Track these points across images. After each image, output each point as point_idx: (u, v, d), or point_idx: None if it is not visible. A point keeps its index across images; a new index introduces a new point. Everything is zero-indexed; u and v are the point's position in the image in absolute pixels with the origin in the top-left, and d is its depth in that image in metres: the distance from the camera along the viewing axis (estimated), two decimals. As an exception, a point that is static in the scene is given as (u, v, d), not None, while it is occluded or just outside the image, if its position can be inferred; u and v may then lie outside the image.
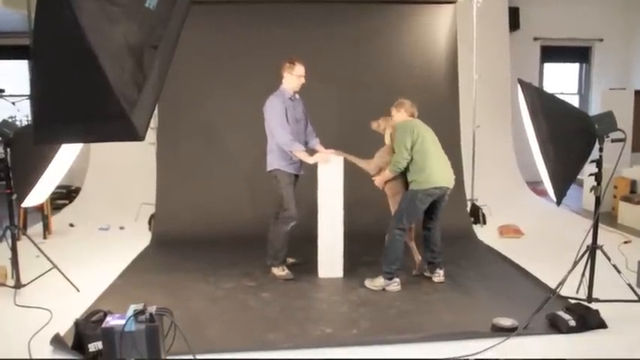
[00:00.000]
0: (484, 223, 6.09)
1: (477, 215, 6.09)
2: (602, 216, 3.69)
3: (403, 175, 4.04)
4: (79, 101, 2.07)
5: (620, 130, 3.35)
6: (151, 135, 5.81)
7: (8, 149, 3.71)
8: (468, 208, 6.08)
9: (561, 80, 9.84)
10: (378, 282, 3.98)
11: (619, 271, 3.48)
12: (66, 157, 3.72)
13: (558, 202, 3.44)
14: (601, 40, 9.29)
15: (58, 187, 5.02)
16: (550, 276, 3.99)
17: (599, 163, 3.45)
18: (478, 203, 6.24)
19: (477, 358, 2.88)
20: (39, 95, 2.16)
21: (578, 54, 9.62)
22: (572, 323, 3.12)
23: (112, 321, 2.36)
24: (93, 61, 1.93)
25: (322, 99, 5.54)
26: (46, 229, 5.66)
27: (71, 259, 4.60)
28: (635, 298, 3.43)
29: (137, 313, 2.32)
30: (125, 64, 2.05)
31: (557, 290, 3.39)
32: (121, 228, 6.02)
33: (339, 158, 4.24)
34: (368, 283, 4.03)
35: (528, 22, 8.82)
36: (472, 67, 6.25)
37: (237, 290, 4.00)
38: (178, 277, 4.30)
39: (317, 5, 5.91)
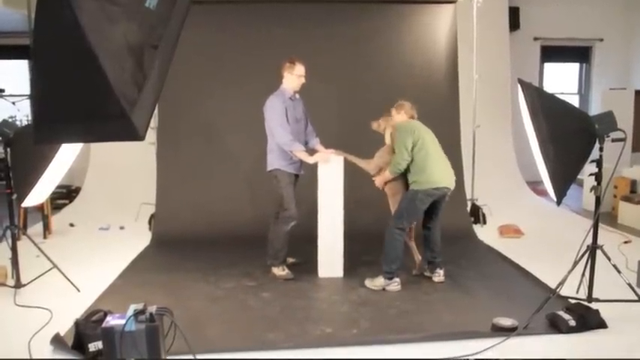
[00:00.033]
0: (484, 222, 6.09)
1: (477, 215, 6.09)
2: (602, 216, 3.69)
3: (403, 176, 4.04)
4: (79, 101, 2.07)
5: (620, 129, 3.35)
6: (151, 135, 5.81)
7: (8, 149, 3.71)
8: (468, 208, 6.08)
9: (561, 80, 9.84)
10: (378, 282, 3.98)
11: (619, 271, 3.48)
12: (66, 156, 3.72)
13: (558, 202, 3.44)
14: (601, 39, 9.29)
15: (58, 187, 5.02)
16: (550, 276, 3.99)
17: (599, 162, 3.45)
18: (478, 203, 6.24)
19: (477, 358, 2.88)
20: (39, 95, 2.16)
21: (579, 54, 9.62)
22: (572, 323, 3.12)
23: (112, 321, 2.36)
24: (93, 61, 1.93)
25: (322, 99, 5.54)
26: (46, 228, 5.66)
27: (71, 259, 4.60)
28: (635, 297, 3.42)
29: (137, 313, 2.32)
30: (125, 63, 2.05)
31: (557, 290, 3.39)
32: (121, 228, 6.02)
33: (339, 158, 4.24)
34: (368, 282, 4.04)
35: (528, 22, 8.82)
36: (472, 67, 6.25)
37: (238, 290, 4.00)
38: (178, 276, 4.30)
39: (317, 5, 5.90)
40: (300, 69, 4.19)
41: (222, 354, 2.92)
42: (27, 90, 7.66)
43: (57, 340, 2.98)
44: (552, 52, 9.44)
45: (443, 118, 5.80)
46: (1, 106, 6.66)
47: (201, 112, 5.88)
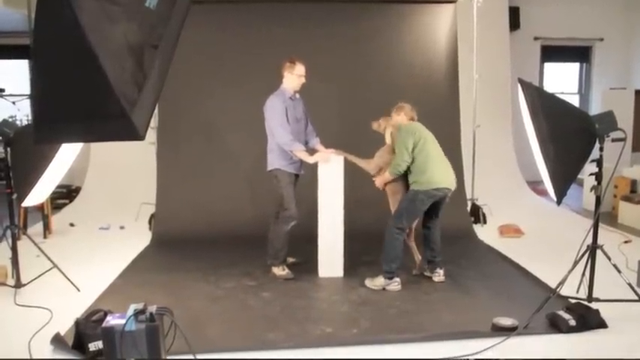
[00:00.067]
0: (484, 222, 6.09)
1: (477, 215, 6.09)
2: (602, 215, 3.69)
3: (404, 176, 4.04)
4: (79, 101, 2.07)
5: (620, 129, 3.34)
6: (151, 134, 5.81)
7: (8, 149, 3.71)
8: (469, 208, 6.08)
9: (561, 80, 9.84)
10: (379, 281, 3.98)
11: (619, 271, 3.48)
12: (66, 156, 3.72)
13: (558, 202, 3.44)
14: (601, 39, 9.29)
15: (59, 187, 5.03)
16: (550, 275, 3.99)
17: (599, 162, 3.45)
18: (478, 203, 6.24)
19: (477, 357, 2.88)
20: (39, 95, 2.16)
21: (579, 53, 9.61)
22: (573, 323, 3.12)
23: (112, 320, 2.36)
24: (93, 61, 1.93)
25: (323, 98, 5.54)
26: (47, 228, 5.66)
27: (71, 259, 4.60)
28: (636, 297, 3.42)
29: (137, 313, 2.32)
30: (125, 63, 2.05)
31: (558, 290, 3.39)
32: (122, 227, 6.02)
33: (339, 158, 4.23)
34: (368, 282, 4.04)
35: (528, 22, 8.82)
36: (472, 67, 6.25)
37: (238, 290, 4.00)
38: (178, 276, 4.30)
39: (317, 4, 5.90)
40: (300, 69, 4.19)
41: (223, 354, 2.92)
42: (27, 90, 7.66)
43: (57, 340, 2.98)
44: (552, 52, 9.44)
45: (443, 117, 5.80)
46: (2, 105, 6.67)
47: (201, 111, 5.88)
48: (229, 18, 5.85)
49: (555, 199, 3.44)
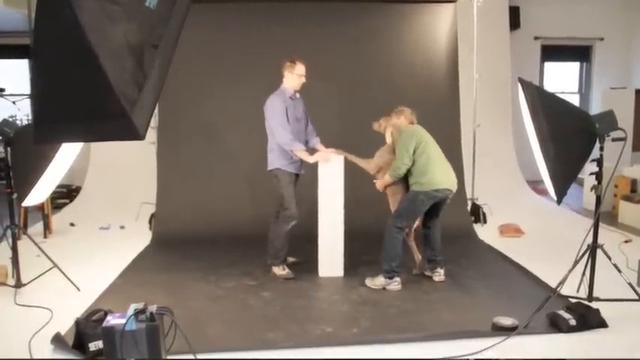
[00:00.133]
0: (484, 222, 6.09)
1: (477, 214, 6.09)
2: (602, 215, 3.69)
3: (404, 177, 4.04)
4: (79, 100, 2.07)
5: (620, 129, 3.34)
6: (152, 134, 5.81)
7: (9, 148, 3.71)
8: (469, 207, 6.08)
9: (562, 79, 9.83)
10: (379, 281, 3.98)
11: (619, 270, 3.48)
12: (66, 156, 3.72)
13: (559, 201, 3.44)
14: (601, 39, 9.29)
15: (59, 187, 5.03)
16: (550, 275, 3.98)
17: (599, 162, 3.45)
18: (478, 202, 6.24)
19: (478, 357, 2.88)
20: (39, 94, 2.16)
21: (579, 53, 9.61)
22: (573, 322, 3.12)
23: (112, 320, 2.35)
24: (93, 61, 1.93)
25: (323, 98, 5.54)
26: (47, 228, 5.66)
27: (72, 259, 4.60)
28: (636, 297, 3.42)
29: (138, 313, 2.32)
30: (125, 63, 2.05)
31: (558, 289, 3.39)
32: (122, 227, 6.02)
33: (339, 157, 4.24)
34: (368, 282, 4.04)
35: (529, 21, 8.82)
36: (472, 67, 6.25)
37: (238, 289, 4.00)
38: (179, 276, 4.30)
39: (317, 4, 5.90)
40: (300, 68, 4.19)
41: (223, 353, 2.92)
42: (27, 89, 7.66)
43: (57, 340, 2.98)
44: (553, 52, 9.43)
45: (443, 117, 5.81)
46: (2, 105, 6.66)
47: (201, 111, 5.88)
48: (229, 18, 5.85)
49: (555, 198, 3.44)
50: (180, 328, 2.48)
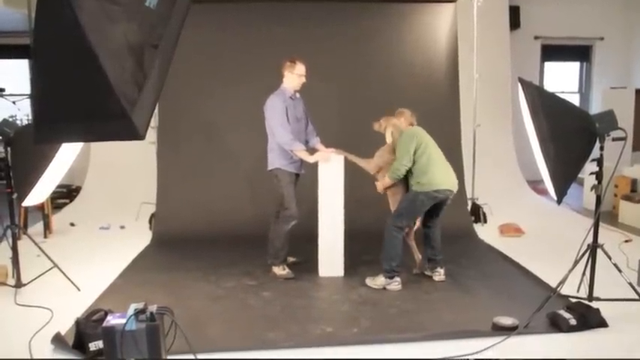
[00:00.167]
0: (485, 221, 6.09)
1: (477, 214, 6.09)
2: (602, 215, 3.68)
3: (404, 178, 4.04)
4: (79, 100, 2.07)
5: (620, 128, 3.34)
6: (152, 134, 5.81)
7: (9, 148, 3.72)
8: (469, 207, 6.08)
9: (562, 79, 9.83)
10: (379, 280, 3.98)
11: (620, 270, 3.48)
12: (66, 156, 3.72)
13: (559, 201, 3.44)
14: (602, 38, 9.28)
15: (59, 187, 5.03)
16: (551, 275, 3.98)
17: (599, 161, 3.45)
18: (479, 202, 6.24)
19: (478, 357, 2.88)
20: (39, 94, 2.16)
21: (579, 53, 9.61)
22: (573, 322, 3.12)
23: (112, 320, 2.36)
24: (93, 61, 1.93)
25: (323, 98, 5.54)
26: (47, 228, 5.66)
27: (72, 259, 4.60)
28: (636, 296, 3.42)
29: (138, 312, 2.32)
30: (125, 63, 2.05)
31: (558, 289, 3.39)
32: (122, 227, 6.03)
33: (339, 157, 4.24)
34: (369, 281, 4.04)
35: (529, 21, 8.82)
36: (473, 66, 6.24)
37: (238, 289, 4.00)
38: (179, 276, 4.30)
39: (317, 4, 5.90)
40: (300, 68, 4.19)
41: (223, 353, 2.92)
42: (27, 89, 7.66)
43: (57, 340, 2.98)
44: (553, 51, 9.43)
45: (443, 117, 5.81)
46: (2, 105, 6.66)
47: (201, 111, 5.88)
48: (229, 18, 5.85)
49: (556, 198, 3.44)
50: (181, 328, 2.48)
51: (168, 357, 2.49)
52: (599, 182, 3.45)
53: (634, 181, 6.48)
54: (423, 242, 4.22)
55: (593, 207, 3.61)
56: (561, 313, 3.20)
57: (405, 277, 4.09)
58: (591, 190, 3.52)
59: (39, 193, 3.77)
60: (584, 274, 3.59)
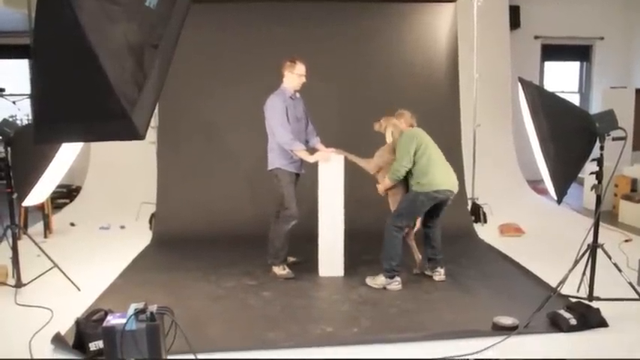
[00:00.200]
0: (485, 221, 6.09)
1: (477, 214, 6.09)
2: (602, 214, 3.68)
3: (404, 179, 4.04)
4: (79, 100, 2.07)
5: (620, 128, 3.35)
6: (152, 134, 5.81)
7: (9, 148, 3.72)
8: (469, 207, 6.08)
9: (562, 79, 9.83)
10: (379, 280, 3.98)
11: (620, 270, 3.48)
12: (66, 156, 3.72)
13: (559, 201, 3.44)
14: (602, 38, 9.28)
15: (59, 187, 5.03)
16: (551, 275, 3.98)
17: (599, 161, 3.45)
18: (479, 202, 6.24)
19: (478, 357, 2.88)
20: (39, 94, 2.16)
21: (579, 52, 9.60)
22: (573, 322, 3.12)
23: (112, 320, 2.36)
24: (93, 61, 1.93)
25: (323, 98, 5.54)
26: (47, 228, 5.66)
27: (72, 259, 4.60)
28: (636, 296, 3.43)
29: (138, 312, 2.32)
30: (125, 63, 2.05)
31: (558, 289, 3.40)
32: (122, 227, 6.02)
33: (339, 157, 4.24)
34: (369, 281, 4.04)
35: (529, 21, 8.81)
36: (473, 66, 6.24)
37: (238, 289, 4.00)
38: (179, 276, 4.30)
39: (318, 4, 5.90)
40: (300, 68, 4.19)
41: (223, 353, 2.92)
42: (27, 89, 7.67)
43: (58, 340, 2.98)
44: (553, 51, 9.43)
45: (443, 117, 5.81)
46: (2, 105, 6.66)
47: (201, 111, 5.88)
48: (229, 17, 5.85)
49: (556, 198, 3.44)
50: (181, 328, 2.48)
51: (169, 357, 2.49)
52: (599, 182, 3.45)
53: (634, 181, 6.48)
54: (423, 242, 4.22)
55: (593, 207, 3.61)
56: (561, 312, 3.19)
57: (405, 276, 4.09)
58: (591, 189, 3.52)
59: (39, 193, 3.78)
60: (584, 273, 3.59)
